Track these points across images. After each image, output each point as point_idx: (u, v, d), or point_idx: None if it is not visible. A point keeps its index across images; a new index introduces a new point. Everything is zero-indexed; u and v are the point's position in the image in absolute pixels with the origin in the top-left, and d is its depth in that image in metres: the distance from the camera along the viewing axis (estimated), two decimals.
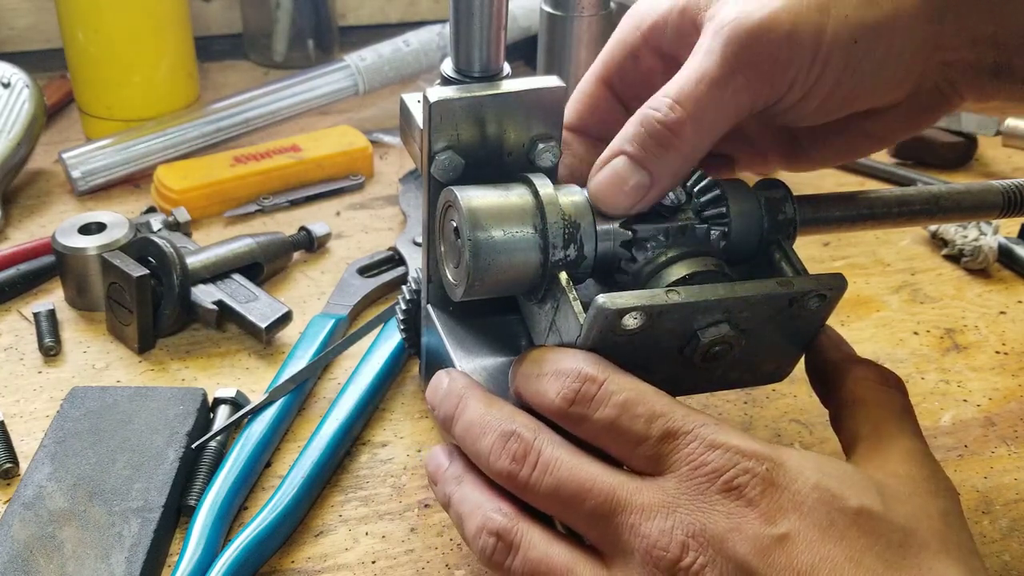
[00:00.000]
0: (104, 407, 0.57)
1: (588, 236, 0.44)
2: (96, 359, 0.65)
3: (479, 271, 0.43)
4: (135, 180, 0.85)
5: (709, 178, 0.46)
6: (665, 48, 0.47)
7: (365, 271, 0.73)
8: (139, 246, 0.66)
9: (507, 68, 0.46)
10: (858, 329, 0.70)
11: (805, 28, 0.42)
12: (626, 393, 0.40)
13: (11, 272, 0.71)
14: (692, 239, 0.45)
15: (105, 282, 0.65)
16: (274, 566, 0.51)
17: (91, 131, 0.91)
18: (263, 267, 0.71)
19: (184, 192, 0.79)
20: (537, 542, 0.40)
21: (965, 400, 0.64)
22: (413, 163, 0.75)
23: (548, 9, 0.74)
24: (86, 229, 0.69)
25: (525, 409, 0.43)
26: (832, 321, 0.47)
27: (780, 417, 0.62)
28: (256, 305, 0.66)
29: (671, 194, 0.45)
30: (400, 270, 0.73)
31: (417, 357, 0.56)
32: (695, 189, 0.46)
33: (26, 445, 0.57)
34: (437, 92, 0.44)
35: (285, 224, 0.80)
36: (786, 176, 0.51)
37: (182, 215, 0.76)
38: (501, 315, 0.49)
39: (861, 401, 0.44)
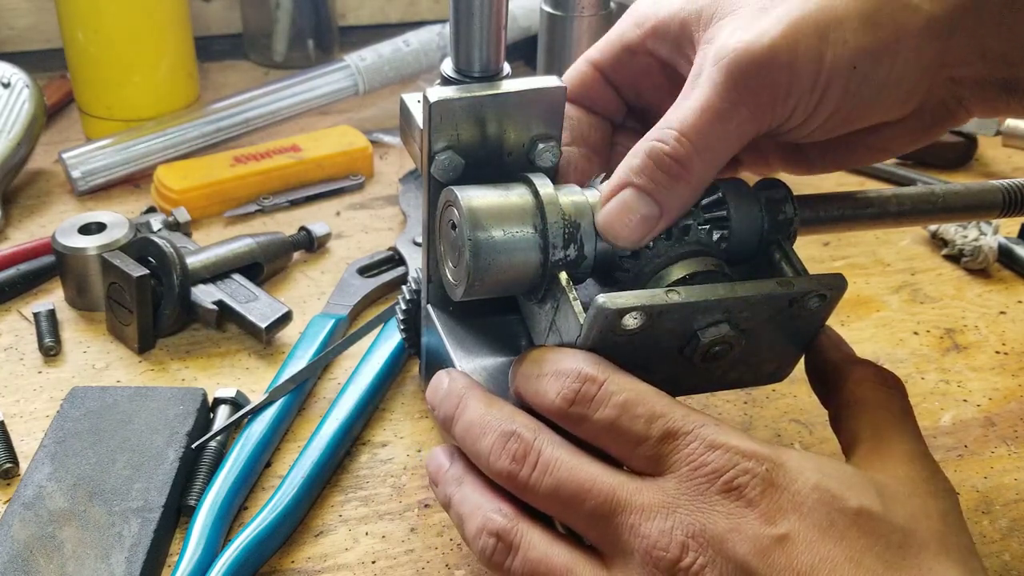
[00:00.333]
0: (104, 407, 0.57)
1: (588, 236, 0.44)
2: (96, 359, 0.65)
3: (479, 271, 0.43)
4: (135, 180, 0.85)
5: None
6: (663, 54, 0.47)
7: (365, 271, 0.73)
8: (139, 246, 0.66)
9: (507, 68, 0.46)
10: (858, 329, 0.70)
11: (804, 56, 0.41)
12: (626, 393, 0.40)
13: (11, 272, 0.71)
14: (692, 239, 0.45)
15: (105, 282, 0.65)
16: (274, 566, 0.51)
17: (91, 131, 0.91)
18: (263, 267, 0.71)
19: (184, 192, 0.79)
20: (537, 542, 0.40)
21: (965, 400, 0.64)
22: (413, 163, 0.75)
23: (548, 9, 0.74)
24: (86, 229, 0.69)
25: (525, 409, 0.43)
26: (832, 321, 0.47)
27: (780, 417, 0.62)
28: (256, 305, 0.66)
29: None
30: (400, 270, 0.73)
31: (417, 357, 0.56)
32: None
33: (26, 445, 0.57)
34: (437, 92, 0.44)
35: (285, 224, 0.80)
36: (786, 176, 0.51)
37: (182, 215, 0.76)
38: (501, 315, 0.49)
39: (861, 402, 0.44)
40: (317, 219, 0.78)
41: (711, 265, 0.44)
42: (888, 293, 0.74)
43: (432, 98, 0.44)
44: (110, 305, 0.66)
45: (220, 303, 0.66)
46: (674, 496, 0.38)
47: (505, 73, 0.46)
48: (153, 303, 0.65)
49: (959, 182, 0.54)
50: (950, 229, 0.77)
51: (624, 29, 0.49)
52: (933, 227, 0.79)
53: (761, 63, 0.41)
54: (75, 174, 0.82)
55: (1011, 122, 0.94)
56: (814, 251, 0.78)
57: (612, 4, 0.75)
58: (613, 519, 0.39)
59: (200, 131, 0.87)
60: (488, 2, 0.43)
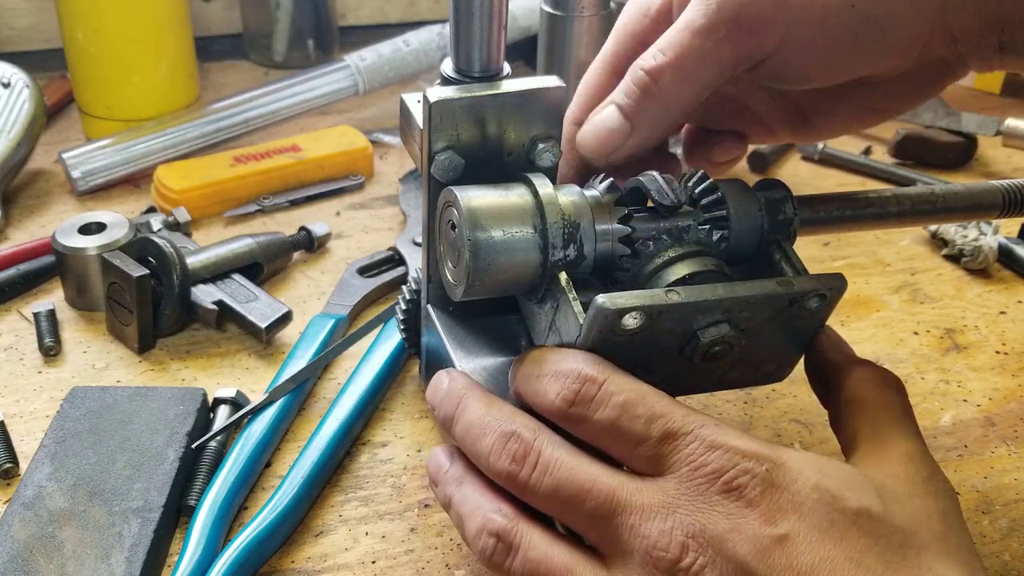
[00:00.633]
0: (104, 407, 0.57)
1: (588, 236, 0.44)
2: (96, 359, 0.65)
3: (479, 271, 0.43)
4: (135, 180, 0.85)
5: (709, 179, 0.46)
6: None
7: (365, 271, 0.73)
8: (139, 246, 0.66)
9: (507, 68, 0.46)
10: (858, 329, 0.70)
11: None
12: (626, 394, 0.40)
13: (11, 272, 0.71)
14: (692, 239, 0.45)
15: (105, 282, 0.65)
16: (274, 566, 0.51)
17: (91, 131, 0.91)
18: (263, 267, 0.71)
19: (184, 192, 0.79)
20: (537, 543, 0.40)
21: (965, 400, 0.64)
22: (413, 163, 0.75)
23: (548, 9, 0.74)
24: (86, 229, 0.69)
25: (525, 409, 0.43)
26: (832, 321, 0.47)
27: (780, 417, 0.62)
28: (256, 305, 0.66)
29: (671, 194, 0.45)
30: (400, 270, 0.73)
31: (417, 357, 0.56)
32: (695, 190, 0.46)
33: (26, 445, 0.57)
34: (437, 92, 0.44)
35: (285, 224, 0.80)
36: (786, 177, 0.51)
37: (182, 215, 0.76)
38: (501, 315, 0.49)
39: (861, 402, 0.44)
40: (317, 219, 0.78)
41: (711, 265, 0.44)
42: (888, 293, 0.74)
43: (432, 98, 0.44)
44: (110, 305, 0.66)
45: (220, 303, 0.66)
46: (674, 496, 0.38)
47: (505, 73, 0.46)
48: (153, 303, 0.65)
49: (959, 182, 0.55)
50: (950, 229, 0.77)
51: (631, 22, 0.49)
52: (933, 227, 0.79)
53: None
54: (75, 174, 0.82)
55: (1011, 122, 0.94)
56: (814, 251, 0.78)
57: (612, 4, 0.75)
58: (613, 519, 0.39)
59: (200, 131, 0.87)
60: (488, 2, 0.43)
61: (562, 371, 0.41)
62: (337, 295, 0.70)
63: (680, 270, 0.44)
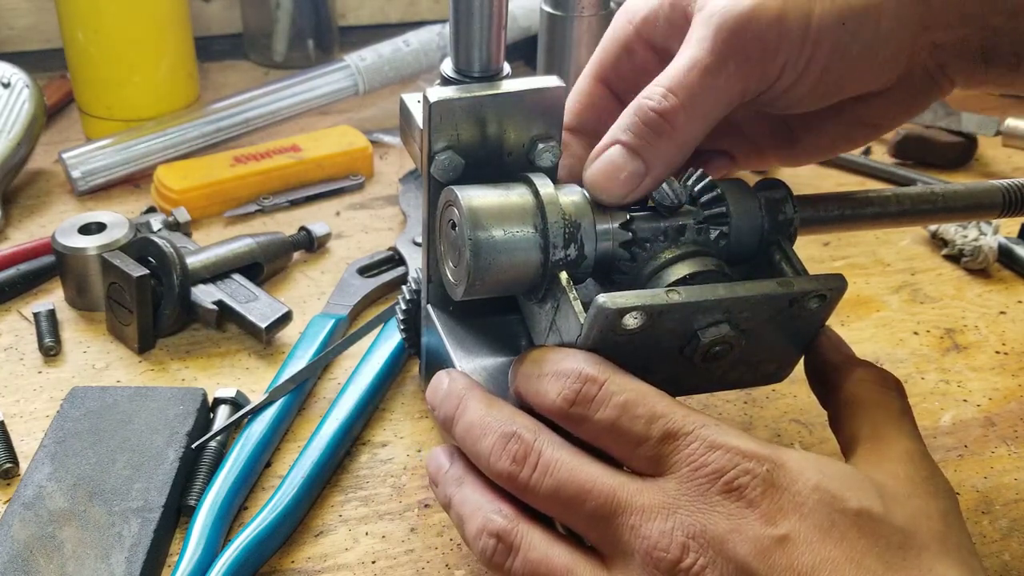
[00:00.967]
0: (104, 407, 0.57)
1: (588, 236, 0.44)
2: (96, 359, 0.65)
3: (479, 271, 0.43)
4: (135, 180, 0.85)
5: (709, 178, 0.46)
6: (658, 41, 0.47)
7: (365, 271, 0.73)
8: (139, 246, 0.66)
9: (507, 68, 0.46)
10: (858, 329, 0.70)
11: (793, 13, 0.42)
12: (627, 394, 0.40)
13: (11, 272, 0.71)
14: (692, 239, 0.45)
15: (105, 282, 0.65)
16: (274, 566, 0.51)
17: (91, 131, 0.91)
18: (263, 267, 0.71)
19: (184, 192, 0.79)
20: (537, 543, 0.40)
21: (965, 400, 0.64)
22: (413, 163, 0.75)
23: (548, 9, 0.74)
24: (86, 229, 0.69)
25: (525, 410, 0.43)
26: (832, 321, 0.47)
27: (780, 417, 0.62)
28: (256, 305, 0.66)
29: (671, 194, 0.45)
30: (400, 270, 0.73)
31: (417, 357, 0.56)
32: (695, 189, 0.46)
33: (26, 445, 0.57)
34: (437, 92, 0.44)
35: (285, 224, 0.80)
36: (786, 176, 0.51)
37: (182, 215, 0.76)
38: (501, 315, 0.49)
39: (860, 402, 0.44)
40: (317, 219, 0.78)
41: (711, 265, 0.44)
42: (888, 293, 0.74)
43: (432, 98, 0.44)
44: (110, 305, 0.66)
45: (220, 303, 0.66)
46: (675, 497, 0.38)
47: (505, 73, 0.46)
48: (153, 303, 0.65)
49: (959, 182, 0.54)
50: (950, 229, 0.77)
51: (617, 30, 0.49)
52: (933, 227, 0.79)
53: (749, 18, 0.42)
54: (75, 174, 0.82)
55: (1011, 122, 0.94)
56: (814, 251, 0.78)
57: (612, 4, 0.75)
58: (614, 520, 0.39)
59: (200, 131, 0.87)
60: (488, 2, 0.43)
61: (563, 371, 0.41)
62: (337, 295, 0.70)
63: (681, 270, 0.44)
